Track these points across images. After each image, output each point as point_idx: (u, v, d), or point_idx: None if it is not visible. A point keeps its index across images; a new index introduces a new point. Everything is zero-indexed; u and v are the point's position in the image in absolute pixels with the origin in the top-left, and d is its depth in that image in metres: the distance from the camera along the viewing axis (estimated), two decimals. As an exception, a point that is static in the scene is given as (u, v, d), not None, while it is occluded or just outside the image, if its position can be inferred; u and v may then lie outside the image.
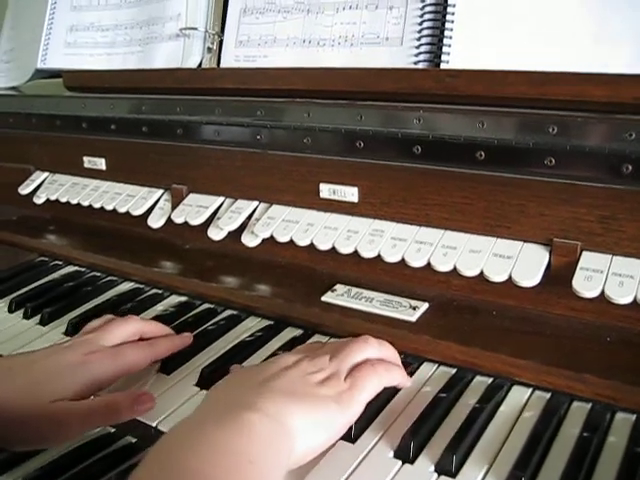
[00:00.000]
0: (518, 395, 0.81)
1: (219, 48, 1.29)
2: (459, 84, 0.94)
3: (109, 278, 1.25)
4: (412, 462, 0.72)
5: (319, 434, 0.71)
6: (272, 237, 1.09)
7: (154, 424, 0.82)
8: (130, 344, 0.92)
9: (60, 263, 1.34)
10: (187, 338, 0.98)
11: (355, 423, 0.75)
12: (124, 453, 0.85)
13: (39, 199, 1.44)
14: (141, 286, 1.21)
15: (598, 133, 0.82)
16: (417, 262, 0.95)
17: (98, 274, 1.27)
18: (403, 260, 0.96)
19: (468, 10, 1.00)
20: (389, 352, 0.86)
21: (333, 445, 0.74)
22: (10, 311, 1.16)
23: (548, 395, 0.81)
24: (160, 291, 1.18)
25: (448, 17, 1.01)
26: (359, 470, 0.71)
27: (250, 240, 1.12)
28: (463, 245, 0.94)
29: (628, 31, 0.89)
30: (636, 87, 0.81)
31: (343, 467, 0.71)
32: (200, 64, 1.32)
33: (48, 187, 1.45)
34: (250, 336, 1.00)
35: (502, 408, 0.79)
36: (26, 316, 1.13)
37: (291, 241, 1.07)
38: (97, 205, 1.33)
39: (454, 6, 1.00)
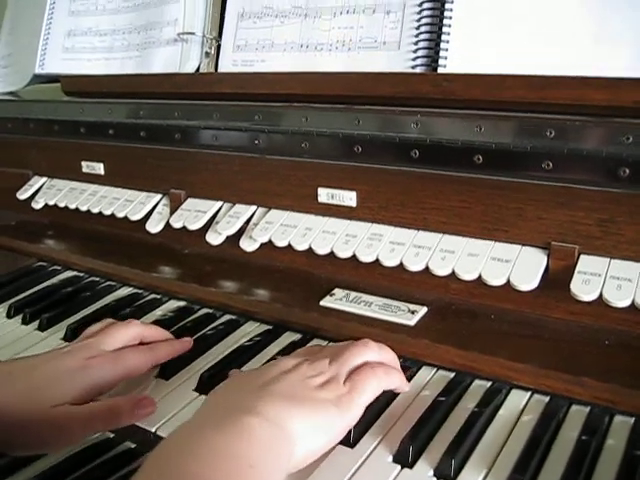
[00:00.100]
0: (517, 399, 0.81)
1: (217, 53, 1.29)
2: (456, 88, 0.94)
3: (108, 283, 1.25)
4: (411, 466, 0.72)
5: (319, 437, 0.71)
6: (270, 242, 1.09)
7: (153, 429, 0.82)
8: (131, 348, 0.92)
9: (59, 268, 1.34)
10: (187, 343, 0.98)
11: (354, 428, 0.75)
12: (123, 458, 0.86)
13: (37, 204, 1.44)
14: (140, 291, 1.21)
15: (596, 136, 0.82)
16: (415, 266, 0.95)
17: (97, 279, 1.27)
18: (401, 264, 0.97)
19: (465, 14, 1.00)
20: (389, 356, 0.86)
21: (332, 449, 0.74)
22: (9, 316, 1.16)
23: (547, 399, 0.81)
24: (159, 296, 1.18)
25: (445, 21, 1.01)
26: (358, 475, 0.71)
27: (248, 245, 1.13)
28: (461, 249, 0.94)
29: (628, 32, 0.89)
30: (635, 90, 0.82)
31: (342, 472, 0.71)
32: (198, 69, 1.32)
33: (46, 192, 1.45)
34: (249, 341, 1.00)
35: (501, 412, 0.79)
36: (25, 321, 1.13)
37: (289, 246, 1.07)
38: (95, 210, 1.33)
39: (451, 10, 1.00)
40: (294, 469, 0.69)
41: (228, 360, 0.95)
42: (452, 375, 0.87)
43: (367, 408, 0.77)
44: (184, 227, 1.20)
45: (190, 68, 1.32)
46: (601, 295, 0.82)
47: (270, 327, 1.04)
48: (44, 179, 1.48)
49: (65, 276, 1.31)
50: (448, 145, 0.92)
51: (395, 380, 0.83)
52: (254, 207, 1.16)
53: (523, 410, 0.79)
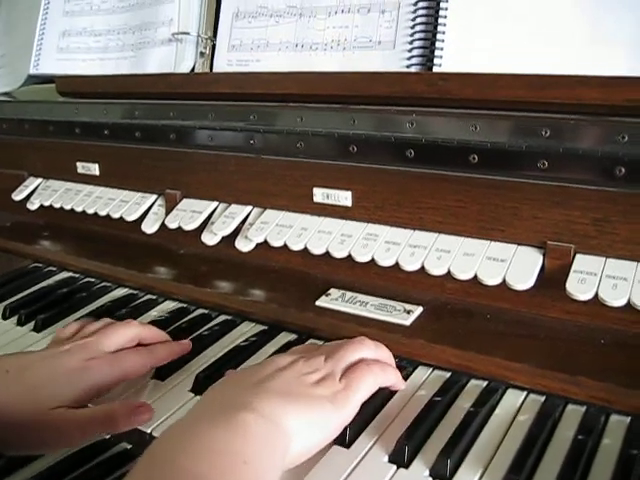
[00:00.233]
0: (513, 398, 0.81)
1: (212, 53, 1.29)
2: (451, 87, 0.94)
3: (103, 284, 1.25)
4: (407, 466, 0.71)
5: (314, 434, 0.71)
6: (266, 242, 1.09)
7: (149, 430, 0.82)
8: (129, 350, 0.92)
9: (54, 269, 1.34)
10: (186, 345, 0.97)
11: (349, 428, 0.75)
12: (119, 459, 0.85)
13: (33, 205, 1.44)
14: (135, 292, 1.20)
15: (591, 135, 0.82)
16: (411, 266, 0.95)
17: (92, 280, 1.27)
18: (397, 264, 0.96)
19: (460, 13, 1.00)
20: (384, 354, 0.86)
21: (328, 449, 0.74)
22: (4, 318, 1.16)
23: (543, 398, 0.80)
24: (154, 297, 1.18)
25: (440, 20, 1.01)
26: (354, 475, 0.71)
27: (244, 245, 1.12)
28: (457, 248, 0.94)
29: (623, 32, 0.89)
30: (629, 89, 0.82)
31: (338, 472, 0.71)
32: (193, 69, 1.31)
33: (42, 193, 1.45)
34: (245, 341, 1.00)
35: (497, 412, 0.79)
36: (20, 323, 1.13)
37: (285, 246, 1.07)
38: (91, 211, 1.33)
39: (446, 9, 1.00)
40: (290, 465, 0.69)
41: (224, 361, 0.95)
42: (448, 375, 0.87)
43: (362, 408, 0.77)
44: (180, 227, 1.19)
45: (185, 68, 1.31)
46: (597, 294, 0.82)
47: (266, 327, 1.03)
48: (39, 180, 1.48)
49: (60, 277, 1.31)
50: (444, 144, 0.92)
51: (391, 377, 0.83)
52: (250, 207, 1.16)
53: (519, 410, 0.79)
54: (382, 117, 0.97)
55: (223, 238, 1.15)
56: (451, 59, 1.00)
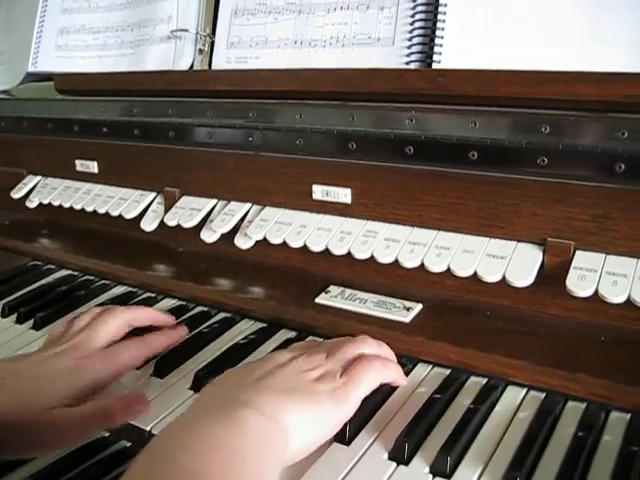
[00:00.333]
0: (513, 395, 0.81)
1: (210, 50, 1.28)
2: (451, 84, 0.94)
3: (102, 282, 1.25)
4: (407, 463, 0.71)
5: (314, 430, 0.71)
6: (265, 239, 1.09)
7: (148, 428, 0.82)
8: (122, 343, 0.92)
9: (53, 267, 1.34)
10: (183, 331, 0.98)
11: (350, 425, 0.75)
12: (118, 457, 0.85)
13: (32, 203, 1.44)
14: (134, 289, 1.20)
15: (591, 132, 0.82)
16: (411, 263, 0.95)
17: (91, 278, 1.27)
18: (396, 261, 0.96)
19: (459, 10, 0.99)
20: (386, 351, 0.86)
21: (328, 447, 0.74)
22: (3, 316, 1.16)
23: (543, 395, 0.80)
24: (153, 294, 1.17)
25: (439, 17, 1.01)
26: (354, 472, 0.71)
27: (243, 242, 1.12)
28: (456, 245, 0.94)
29: (623, 32, 0.89)
30: (627, 85, 0.81)
31: (337, 469, 0.71)
32: (191, 66, 1.31)
33: (40, 191, 1.45)
34: (244, 339, 1.00)
35: (497, 408, 0.79)
36: (19, 321, 1.13)
37: (284, 243, 1.07)
38: (90, 208, 1.33)
39: (445, 5, 1.00)
40: (289, 462, 0.68)
41: (223, 358, 0.95)
42: (448, 372, 0.87)
43: (362, 405, 0.77)
44: (179, 225, 1.19)
45: (184, 65, 1.31)
46: (597, 291, 0.82)
47: (265, 325, 1.03)
48: (38, 178, 1.48)
49: (59, 275, 1.30)
50: (443, 141, 0.92)
51: (392, 373, 0.83)
52: (249, 205, 1.16)
53: (519, 407, 0.79)
54: (381, 114, 0.97)
55: (222, 235, 1.15)
56: (450, 55, 0.99)
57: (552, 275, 0.88)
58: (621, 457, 0.68)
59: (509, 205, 0.91)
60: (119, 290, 1.22)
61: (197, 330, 1.03)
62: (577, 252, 0.87)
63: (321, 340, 0.96)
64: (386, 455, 0.73)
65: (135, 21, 1.40)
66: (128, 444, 0.87)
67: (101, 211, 1.31)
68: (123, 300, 1.16)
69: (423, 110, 0.94)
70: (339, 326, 0.94)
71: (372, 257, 0.99)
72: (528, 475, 0.67)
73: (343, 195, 1.04)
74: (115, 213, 1.29)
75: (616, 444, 0.71)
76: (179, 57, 1.31)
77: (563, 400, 0.79)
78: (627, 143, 0.79)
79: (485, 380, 0.84)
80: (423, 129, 0.93)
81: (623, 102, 0.81)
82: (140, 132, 1.25)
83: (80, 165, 1.39)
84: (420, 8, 1.04)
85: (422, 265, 0.94)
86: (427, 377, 0.87)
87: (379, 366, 0.81)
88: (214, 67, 1.27)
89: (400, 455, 0.72)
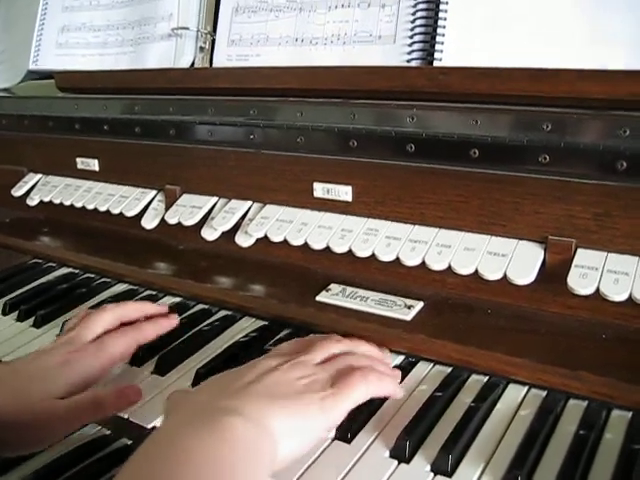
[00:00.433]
0: (514, 393, 0.81)
1: (211, 47, 1.28)
2: (452, 81, 0.94)
3: (103, 280, 1.25)
4: (408, 462, 0.71)
5: (300, 438, 0.69)
6: (266, 237, 1.09)
7: (149, 426, 0.82)
8: (111, 334, 0.92)
9: (54, 265, 1.34)
10: (174, 320, 0.98)
11: (351, 423, 0.75)
12: (119, 455, 0.86)
13: (32, 201, 1.44)
14: (135, 287, 1.20)
15: (592, 130, 0.82)
16: (412, 261, 0.95)
17: (92, 276, 1.27)
18: (398, 259, 0.96)
19: (460, 7, 0.99)
20: (376, 354, 0.87)
21: (329, 444, 0.74)
22: (4, 314, 1.16)
23: (544, 393, 0.80)
24: (154, 292, 1.18)
25: (440, 14, 1.00)
26: (355, 470, 0.71)
27: (244, 240, 1.12)
28: (458, 243, 0.94)
29: (623, 32, 0.89)
30: (630, 83, 0.81)
31: (339, 467, 0.71)
32: (192, 64, 1.31)
33: (41, 189, 1.44)
34: (245, 337, 1.00)
35: (498, 407, 0.79)
36: (20, 318, 1.13)
37: (285, 241, 1.07)
38: (90, 206, 1.33)
39: (447, 3, 1.00)
40: (274, 468, 0.67)
41: (224, 356, 0.95)
42: (449, 370, 0.87)
43: (363, 403, 0.77)
44: (179, 223, 1.19)
45: (185, 63, 1.31)
46: (598, 289, 0.82)
47: (266, 323, 1.03)
48: (39, 176, 1.48)
49: (60, 273, 1.31)
50: (444, 139, 0.92)
51: (388, 387, 0.81)
52: (249, 202, 1.16)
53: (520, 405, 0.79)
54: (382, 111, 0.97)
55: (223, 233, 1.15)
56: (452, 53, 0.99)
57: (553, 273, 0.88)
58: (622, 455, 0.68)
59: (510, 203, 0.91)
60: (120, 288, 1.22)
61: (198, 328, 1.03)
62: (578, 250, 0.87)
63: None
64: (387, 453, 0.73)
65: (136, 19, 1.40)
66: (129, 442, 0.87)
67: (102, 209, 1.31)
68: (124, 298, 1.15)
69: (424, 108, 0.94)
70: (340, 324, 0.94)
71: (373, 255, 0.98)
72: (529, 473, 0.67)
73: (344, 193, 1.04)
74: (116, 211, 1.29)
75: (617, 442, 0.71)
76: (180, 55, 1.31)
77: (564, 398, 0.79)
78: (629, 141, 0.79)
79: (486, 378, 0.84)
80: (424, 127, 0.93)
81: (625, 100, 0.81)
82: (141, 130, 1.25)
83: (81, 163, 1.39)
84: (421, 6, 1.04)
85: (423, 263, 0.94)
86: (428, 375, 0.87)
87: (374, 379, 0.79)
88: (215, 65, 1.27)
89: (401, 453, 0.72)
